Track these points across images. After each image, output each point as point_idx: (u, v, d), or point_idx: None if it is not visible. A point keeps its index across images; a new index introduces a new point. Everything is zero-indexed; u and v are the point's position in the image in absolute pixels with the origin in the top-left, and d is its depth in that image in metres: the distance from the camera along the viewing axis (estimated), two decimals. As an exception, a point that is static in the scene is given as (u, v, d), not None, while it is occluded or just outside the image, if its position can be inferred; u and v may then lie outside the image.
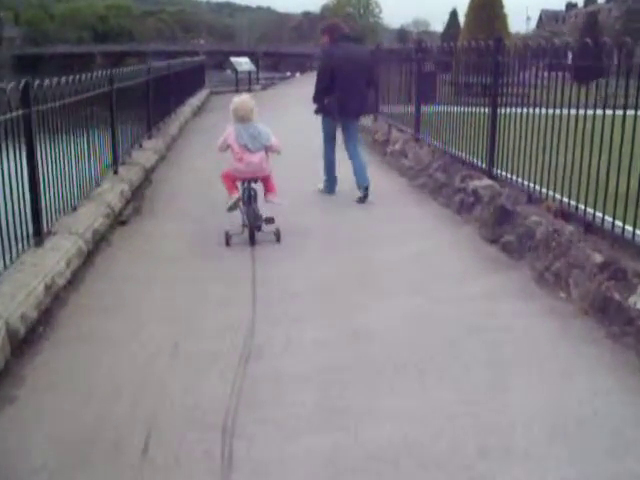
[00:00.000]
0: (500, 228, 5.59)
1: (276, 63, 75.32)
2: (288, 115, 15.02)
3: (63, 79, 5.44)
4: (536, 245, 4.96)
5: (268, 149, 5.74)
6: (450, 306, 4.34)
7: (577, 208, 4.77)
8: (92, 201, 6.10)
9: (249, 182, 5.75)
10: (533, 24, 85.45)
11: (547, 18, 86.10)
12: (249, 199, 5.71)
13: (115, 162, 7.45)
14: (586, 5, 73.78)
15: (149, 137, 10.29)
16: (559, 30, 65.73)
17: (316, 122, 7.58)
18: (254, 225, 5.69)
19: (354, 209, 6.96)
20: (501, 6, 22.66)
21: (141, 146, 9.43)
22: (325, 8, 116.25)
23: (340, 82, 6.97)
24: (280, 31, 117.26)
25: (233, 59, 27.05)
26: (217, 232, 5.87)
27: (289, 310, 4.32)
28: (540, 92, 5.57)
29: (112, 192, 6.57)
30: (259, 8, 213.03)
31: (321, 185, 7.59)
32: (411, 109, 9.23)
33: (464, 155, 7.11)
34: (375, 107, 11.08)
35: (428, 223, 6.48)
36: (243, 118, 5.63)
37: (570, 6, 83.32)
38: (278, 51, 76.44)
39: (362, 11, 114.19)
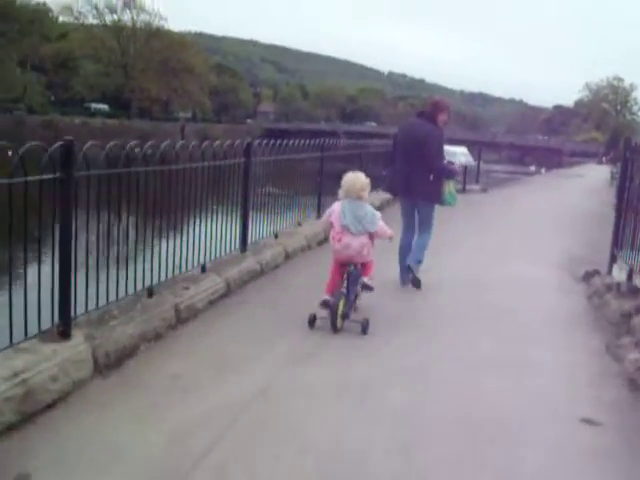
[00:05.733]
0: None
1: (522, 156, 71.83)
2: (517, 264, 7.82)
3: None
4: None
5: (374, 235, 5.25)
6: None
7: None
8: None
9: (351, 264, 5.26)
10: None
11: None
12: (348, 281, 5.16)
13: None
14: None
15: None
16: None
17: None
18: (334, 310, 4.91)
19: None
20: None
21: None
22: (579, 103, 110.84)
23: (397, 158, 6.98)
24: (529, 123, 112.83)
25: (447, 147, 20.60)
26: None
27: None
28: None
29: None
30: (511, 100, 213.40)
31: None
32: None
33: None
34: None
35: None
36: (350, 192, 5.15)
37: None
38: (524, 144, 73.58)
39: (619, 107, 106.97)
